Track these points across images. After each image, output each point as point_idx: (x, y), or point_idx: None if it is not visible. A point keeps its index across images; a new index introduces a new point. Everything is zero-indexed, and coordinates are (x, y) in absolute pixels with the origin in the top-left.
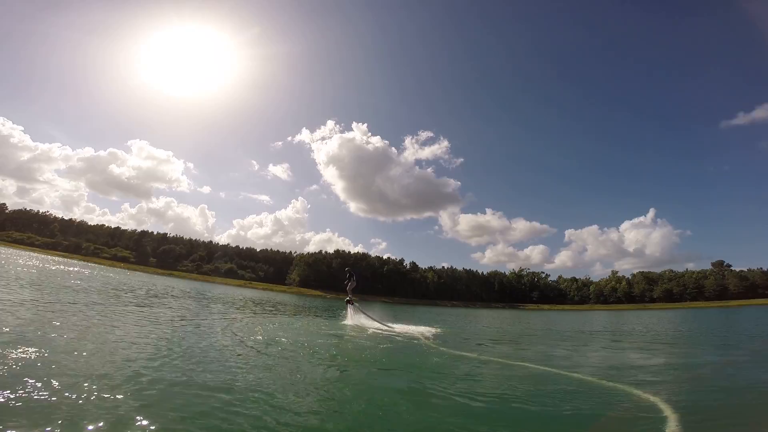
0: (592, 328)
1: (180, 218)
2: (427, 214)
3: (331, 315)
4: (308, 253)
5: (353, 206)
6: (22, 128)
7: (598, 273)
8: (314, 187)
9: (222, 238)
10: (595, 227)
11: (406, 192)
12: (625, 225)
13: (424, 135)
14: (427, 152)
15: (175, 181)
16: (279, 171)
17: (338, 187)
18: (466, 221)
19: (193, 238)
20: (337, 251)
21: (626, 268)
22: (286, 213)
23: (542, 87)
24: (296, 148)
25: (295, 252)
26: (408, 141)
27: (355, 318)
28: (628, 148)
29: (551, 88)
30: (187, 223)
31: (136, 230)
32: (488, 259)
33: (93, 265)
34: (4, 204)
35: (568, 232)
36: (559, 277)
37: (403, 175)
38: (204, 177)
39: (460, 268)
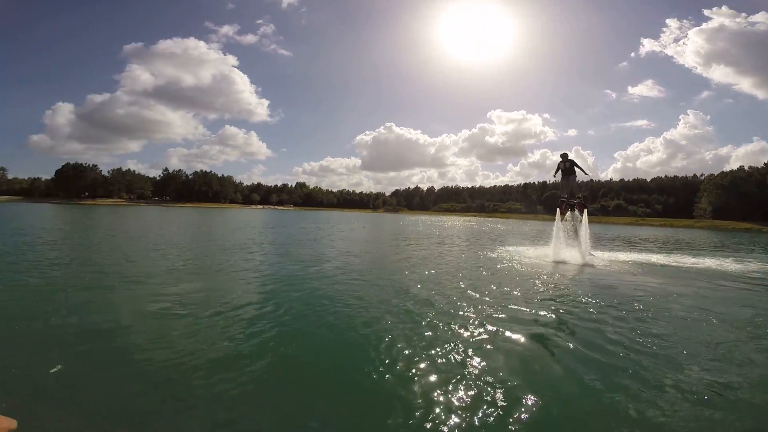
0: None
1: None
2: None
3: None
4: (721, 172)
5: None
6: (420, 130)
7: None
8: (705, 94)
9: (608, 173)
10: None
11: None
12: None
13: None
14: None
15: (541, 134)
16: (644, 90)
17: (745, 84)
18: None
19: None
20: None
21: None
22: (678, 131)
23: None
24: (649, 61)
25: (701, 174)
26: None
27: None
28: None
29: None
30: None
31: (520, 184)
32: None
33: (497, 219)
34: (433, 186)
35: None
36: None
37: None
38: (564, 121)
39: None
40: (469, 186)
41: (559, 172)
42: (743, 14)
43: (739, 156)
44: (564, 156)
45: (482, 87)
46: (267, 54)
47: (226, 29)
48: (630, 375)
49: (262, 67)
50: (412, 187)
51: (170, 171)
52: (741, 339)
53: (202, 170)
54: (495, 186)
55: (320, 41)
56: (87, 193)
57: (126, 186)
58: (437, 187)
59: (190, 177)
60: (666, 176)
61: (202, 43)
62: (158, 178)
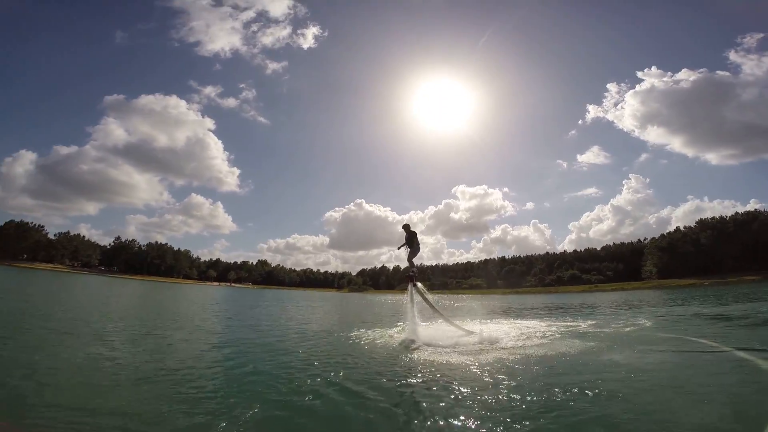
0: None
1: (518, 239)
2: None
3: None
4: (661, 235)
5: (714, 157)
6: (390, 208)
7: None
8: (644, 156)
9: (564, 245)
10: None
11: None
12: None
13: (752, 39)
14: None
15: (501, 209)
16: (591, 157)
17: (676, 144)
18: None
19: (532, 254)
20: (701, 221)
21: None
22: (623, 197)
23: None
24: (594, 126)
25: (644, 238)
26: (733, 55)
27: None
28: None
29: None
30: (526, 242)
31: (481, 260)
32: None
33: (457, 296)
34: (399, 266)
35: None
36: None
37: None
38: (522, 195)
39: None
40: (434, 264)
41: (405, 243)
42: (669, 73)
43: (678, 216)
44: (406, 227)
45: (448, 160)
46: (245, 120)
47: (209, 90)
48: None
49: (238, 134)
50: (379, 266)
51: (122, 240)
52: None
53: (157, 242)
54: (458, 263)
55: (297, 110)
56: (26, 255)
57: (71, 252)
58: (404, 266)
59: (143, 248)
60: (614, 243)
61: (183, 103)
62: (109, 246)
